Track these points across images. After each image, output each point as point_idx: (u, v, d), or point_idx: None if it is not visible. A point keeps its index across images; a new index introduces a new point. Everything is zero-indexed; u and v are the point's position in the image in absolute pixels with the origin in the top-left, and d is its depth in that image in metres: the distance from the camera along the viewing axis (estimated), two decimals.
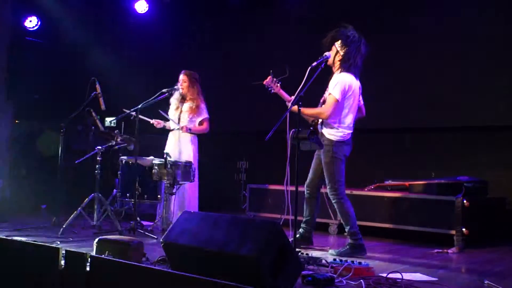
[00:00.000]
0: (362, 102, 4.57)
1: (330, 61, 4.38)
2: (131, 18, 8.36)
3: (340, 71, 4.35)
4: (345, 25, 4.40)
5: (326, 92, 4.39)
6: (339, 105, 4.27)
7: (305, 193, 4.55)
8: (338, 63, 4.37)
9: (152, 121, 5.50)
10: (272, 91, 4.44)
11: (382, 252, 4.65)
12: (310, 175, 4.55)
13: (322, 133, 4.33)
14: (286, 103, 4.45)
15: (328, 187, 4.35)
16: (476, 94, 6.18)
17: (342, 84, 4.26)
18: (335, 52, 4.37)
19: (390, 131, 6.95)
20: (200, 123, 5.57)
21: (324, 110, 4.26)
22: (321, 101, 4.44)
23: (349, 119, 4.35)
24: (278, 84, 4.42)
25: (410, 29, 6.68)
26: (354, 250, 4.27)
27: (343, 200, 4.33)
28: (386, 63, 6.73)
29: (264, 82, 4.40)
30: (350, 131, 4.37)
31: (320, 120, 4.36)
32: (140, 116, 5.08)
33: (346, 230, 4.35)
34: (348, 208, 4.33)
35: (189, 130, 5.44)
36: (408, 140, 6.92)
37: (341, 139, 4.30)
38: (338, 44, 4.34)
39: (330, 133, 4.31)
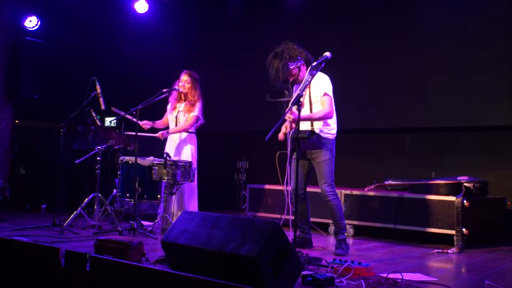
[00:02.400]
0: None
1: (296, 75, 4.43)
2: (131, 18, 8.36)
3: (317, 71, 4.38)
4: (276, 53, 4.42)
5: (304, 92, 4.26)
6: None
7: (297, 196, 4.28)
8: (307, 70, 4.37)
9: (140, 123, 5.36)
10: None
11: (382, 252, 4.65)
12: (298, 180, 4.33)
13: (318, 133, 4.33)
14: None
15: (324, 185, 4.37)
16: (476, 94, 6.18)
17: (329, 81, 4.38)
18: (299, 69, 4.44)
19: (390, 131, 6.95)
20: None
21: (328, 110, 4.29)
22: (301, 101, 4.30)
23: (335, 115, 4.48)
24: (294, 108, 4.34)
25: (410, 29, 6.69)
26: (347, 245, 4.37)
27: (337, 195, 4.42)
28: (386, 64, 6.74)
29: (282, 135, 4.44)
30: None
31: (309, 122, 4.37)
32: (128, 116, 5.09)
33: (338, 224, 4.38)
34: (340, 203, 4.48)
35: (167, 134, 5.38)
36: (408, 140, 6.93)
37: (335, 136, 4.42)
38: (292, 64, 4.38)
39: (328, 132, 4.38)
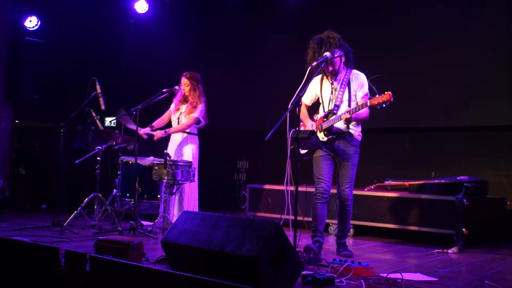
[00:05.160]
0: None
1: (336, 65, 4.27)
2: (131, 18, 8.36)
3: (351, 68, 4.36)
4: (320, 39, 4.23)
5: (341, 88, 4.26)
6: None
7: (324, 198, 4.27)
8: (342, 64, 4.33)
9: (139, 132, 5.29)
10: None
11: (382, 252, 4.65)
12: (328, 178, 4.28)
13: (352, 134, 4.28)
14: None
15: (348, 189, 4.29)
16: (476, 94, 6.18)
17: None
18: (340, 60, 4.28)
19: (390, 131, 6.95)
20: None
21: (369, 111, 4.24)
22: (340, 98, 4.27)
23: None
24: None
25: (410, 29, 6.68)
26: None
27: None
28: (386, 63, 6.74)
29: None
30: None
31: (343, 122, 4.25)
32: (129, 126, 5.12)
33: (346, 229, 4.37)
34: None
35: (165, 134, 5.37)
36: (408, 140, 6.93)
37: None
38: (336, 52, 4.21)
39: (360, 134, 4.35)
